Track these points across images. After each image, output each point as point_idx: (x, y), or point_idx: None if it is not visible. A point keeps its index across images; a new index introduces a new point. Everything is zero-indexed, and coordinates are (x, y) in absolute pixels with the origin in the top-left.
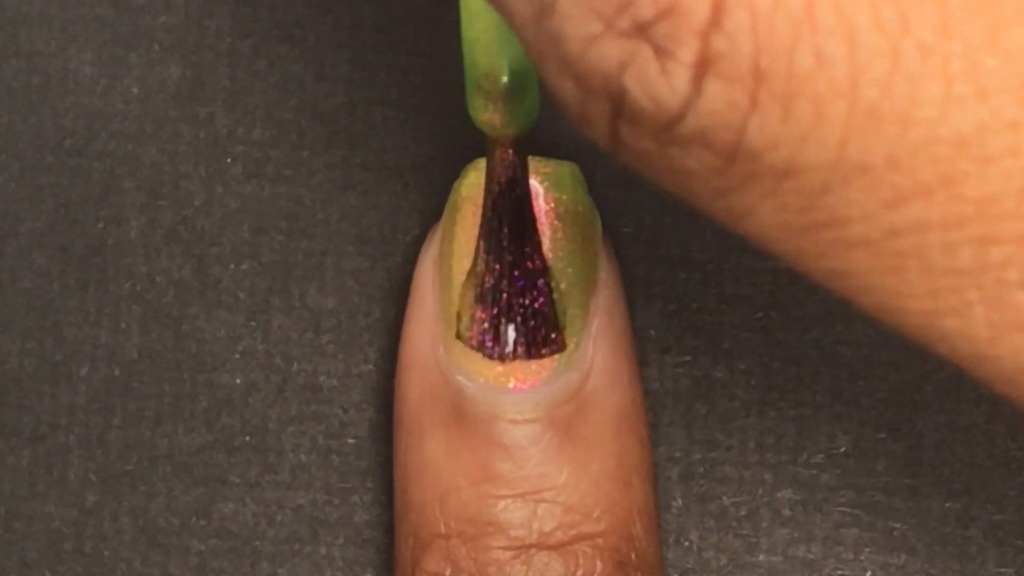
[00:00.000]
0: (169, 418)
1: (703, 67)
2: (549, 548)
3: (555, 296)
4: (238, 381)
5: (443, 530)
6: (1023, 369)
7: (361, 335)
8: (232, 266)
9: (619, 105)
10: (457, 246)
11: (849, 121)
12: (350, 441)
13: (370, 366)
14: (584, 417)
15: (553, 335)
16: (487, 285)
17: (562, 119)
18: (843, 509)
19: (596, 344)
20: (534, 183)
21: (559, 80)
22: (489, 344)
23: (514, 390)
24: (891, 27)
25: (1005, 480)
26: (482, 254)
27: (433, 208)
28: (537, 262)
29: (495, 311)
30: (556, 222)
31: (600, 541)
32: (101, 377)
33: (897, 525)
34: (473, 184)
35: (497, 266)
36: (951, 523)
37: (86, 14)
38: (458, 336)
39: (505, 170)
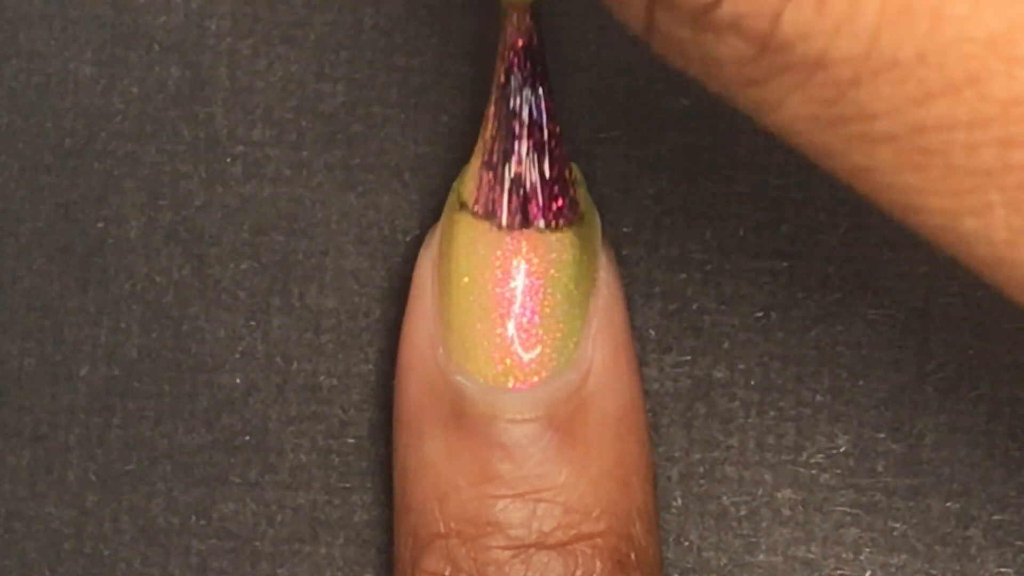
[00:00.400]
0: (169, 418)
1: None
2: (548, 548)
3: (574, 174)
4: (238, 381)
5: (443, 530)
6: None
7: (361, 335)
8: (232, 266)
9: None
10: (456, 247)
11: (882, 14)
12: (350, 441)
13: (370, 366)
14: (584, 417)
15: (572, 205)
16: (498, 150)
17: (562, 115)
18: (843, 509)
19: (596, 344)
20: None
21: None
22: (499, 211)
23: (513, 390)
24: None
25: (1005, 480)
26: (492, 120)
27: (433, 208)
28: (554, 128)
29: (506, 176)
30: None
31: (600, 541)
32: (101, 377)
33: (897, 525)
34: None
35: (509, 131)
36: (951, 523)
37: (86, 14)
38: (461, 206)
39: (522, 35)
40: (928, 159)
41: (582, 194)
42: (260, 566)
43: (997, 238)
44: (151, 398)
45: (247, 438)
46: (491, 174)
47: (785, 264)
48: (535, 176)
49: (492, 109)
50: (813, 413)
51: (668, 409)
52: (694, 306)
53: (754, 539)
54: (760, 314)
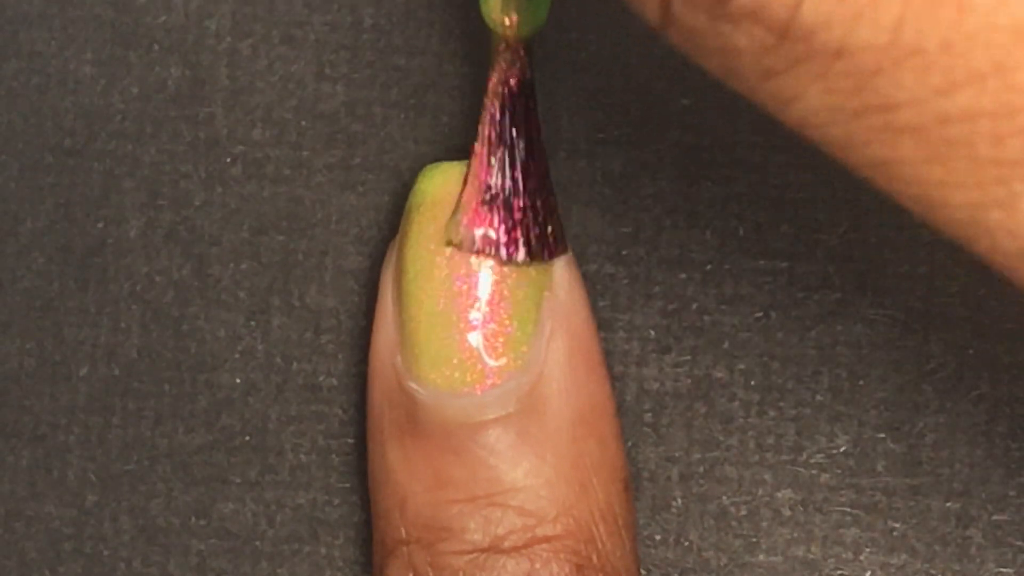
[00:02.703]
0: (169, 418)
1: None
2: (504, 552)
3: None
4: (238, 381)
5: (404, 536)
6: None
7: (361, 335)
8: (232, 266)
9: None
10: (411, 253)
11: (906, 3)
12: (350, 441)
13: None
14: (537, 419)
15: (561, 236)
16: (497, 189)
17: (562, 115)
18: (843, 509)
19: (550, 347)
20: None
21: None
22: (501, 250)
23: (465, 395)
24: None
25: (1005, 480)
26: (487, 159)
27: None
28: (545, 165)
29: (508, 216)
30: None
31: (557, 544)
32: (101, 377)
33: (897, 525)
34: (424, 192)
35: (509, 170)
36: (951, 523)
37: (86, 14)
38: (454, 244)
39: (518, 71)
40: (953, 150)
41: None
42: (260, 566)
43: (1023, 230)
44: (151, 398)
45: (247, 438)
46: (492, 216)
47: (785, 264)
48: (533, 214)
49: (487, 148)
50: (813, 413)
51: (668, 409)
52: (694, 306)
53: (754, 539)
54: (760, 314)
